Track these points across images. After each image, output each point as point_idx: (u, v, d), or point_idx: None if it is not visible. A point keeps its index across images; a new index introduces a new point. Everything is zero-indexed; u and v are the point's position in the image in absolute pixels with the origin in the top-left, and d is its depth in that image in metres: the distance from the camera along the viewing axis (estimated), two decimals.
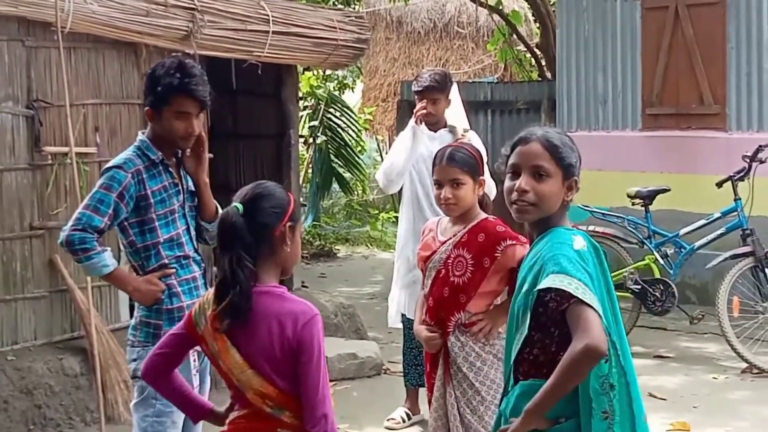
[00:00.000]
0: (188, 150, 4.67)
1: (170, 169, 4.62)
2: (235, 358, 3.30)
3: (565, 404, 3.21)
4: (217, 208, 4.72)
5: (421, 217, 6.79)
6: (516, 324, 3.33)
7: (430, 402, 4.84)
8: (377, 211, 17.78)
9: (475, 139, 6.61)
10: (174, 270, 4.58)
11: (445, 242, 4.64)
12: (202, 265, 4.75)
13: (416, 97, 6.89)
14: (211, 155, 7.70)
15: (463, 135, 6.65)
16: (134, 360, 4.57)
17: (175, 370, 3.52)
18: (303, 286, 10.07)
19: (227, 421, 3.46)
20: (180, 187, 4.66)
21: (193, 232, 4.71)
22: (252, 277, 3.29)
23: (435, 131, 6.86)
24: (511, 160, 3.41)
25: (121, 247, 4.77)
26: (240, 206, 3.32)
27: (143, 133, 4.68)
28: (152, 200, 4.55)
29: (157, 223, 4.57)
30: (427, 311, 4.58)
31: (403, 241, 7.01)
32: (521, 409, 3.22)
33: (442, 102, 6.82)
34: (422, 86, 6.81)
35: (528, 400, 3.21)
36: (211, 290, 3.42)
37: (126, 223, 4.57)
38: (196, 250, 4.72)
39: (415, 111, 6.79)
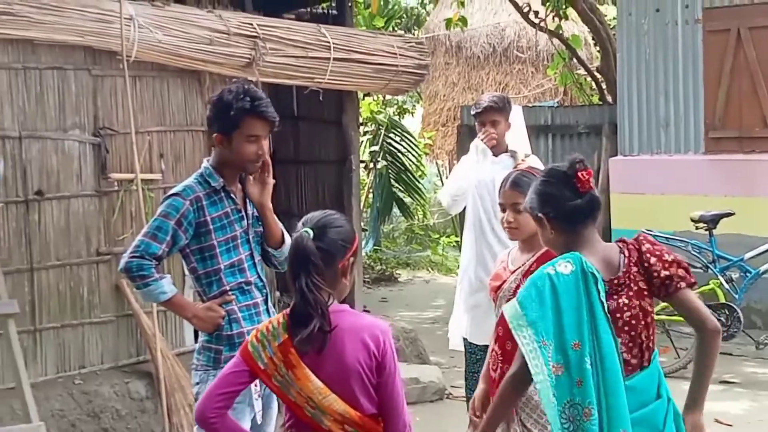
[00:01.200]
0: (252, 176, 4.71)
1: (232, 195, 4.67)
2: (316, 384, 3.29)
3: None
4: (283, 233, 4.75)
5: (483, 241, 6.79)
6: None
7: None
8: (438, 236, 17.78)
9: (536, 164, 6.59)
10: (234, 297, 4.62)
11: (514, 271, 4.63)
12: (264, 291, 4.77)
13: (476, 120, 6.89)
14: (273, 180, 7.81)
15: (523, 160, 6.63)
16: (197, 383, 4.62)
17: (228, 412, 3.44)
18: (365, 311, 10.09)
19: None
20: (243, 213, 4.70)
21: (257, 258, 4.74)
22: (328, 299, 3.31)
23: (496, 155, 6.85)
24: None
25: (186, 273, 4.83)
26: (310, 231, 3.34)
27: (207, 161, 4.73)
28: (212, 227, 4.59)
29: (217, 250, 4.60)
30: (497, 340, 4.56)
31: (465, 264, 7.00)
32: None
33: (501, 124, 6.80)
34: (481, 108, 6.81)
35: None
36: (268, 322, 3.42)
37: (188, 250, 4.62)
38: (259, 276, 4.75)
39: (480, 134, 6.78)
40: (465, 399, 7.11)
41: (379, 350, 3.30)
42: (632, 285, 3.77)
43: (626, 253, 3.81)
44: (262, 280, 4.76)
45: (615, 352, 3.64)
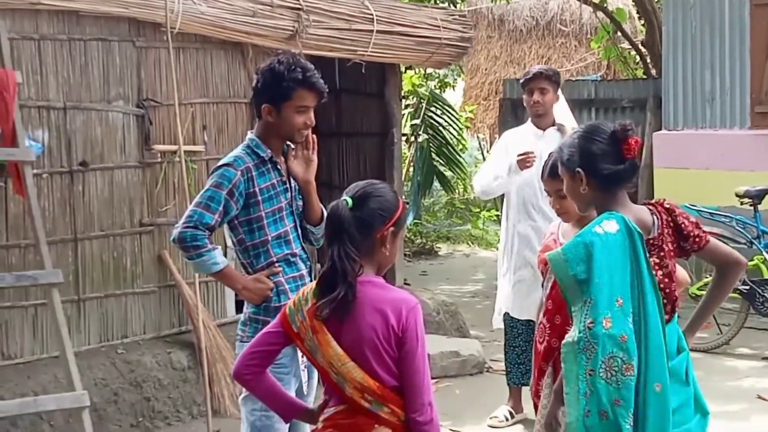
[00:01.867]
0: (296, 153, 4.72)
1: (279, 166, 4.68)
2: (336, 350, 3.32)
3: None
4: (322, 211, 4.76)
5: (527, 218, 6.76)
6: None
7: (536, 408, 4.75)
8: (478, 210, 17.74)
9: None
10: (281, 269, 4.63)
11: (563, 244, 4.58)
12: (308, 263, 4.79)
13: (524, 88, 6.81)
14: (317, 158, 7.81)
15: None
16: None
17: (266, 370, 3.51)
18: (405, 284, 10.11)
19: (321, 418, 3.46)
20: (288, 185, 4.70)
21: (299, 230, 4.75)
22: (358, 269, 3.32)
23: (543, 129, 6.79)
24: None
25: (230, 245, 4.84)
26: (350, 200, 3.36)
27: (252, 132, 4.74)
28: (260, 197, 4.60)
29: (265, 221, 4.62)
30: (545, 313, 4.52)
31: (508, 241, 6.97)
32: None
33: (550, 93, 6.73)
34: (531, 74, 6.76)
35: None
36: (307, 287, 3.47)
37: (236, 222, 4.63)
38: (303, 248, 4.76)
39: (518, 156, 6.57)
40: (504, 372, 7.12)
41: (399, 324, 3.30)
42: (663, 246, 3.89)
43: (658, 215, 3.93)
44: (305, 252, 4.78)
45: (658, 309, 3.73)
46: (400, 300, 3.35)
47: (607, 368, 3.60)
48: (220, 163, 4.67)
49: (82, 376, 6.28)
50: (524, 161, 6.48)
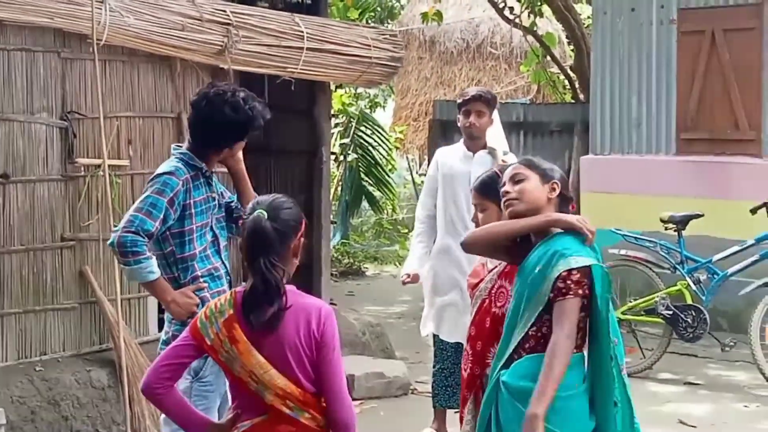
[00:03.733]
0: None
1: (211, 181, 4.65)
2: (258, 359, 3.35)
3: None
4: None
5: (455, 236, 6.73)
6: (523, 306, 3.86)
7: (461, 421, 4.73)
8: (407, 230, 17.74)
9: (514, 160, 6.47)
10: (206, 284, 4.57)
11: (491, 271, 4.55)
12: (229, 277, 4.75)
13: (460, 110, 6.79)
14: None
15: (503, 161, 6.51)
16: None
17: (174, 385, 3.49)
18: (332, 303, 10.03)
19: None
20: (217, 201, 4.67)
21: (221, 244, 4.71)
22: (284, 279, 3.37)
23: (474, 152, 6.77)
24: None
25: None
26: (264, 212, 3.39)
27: (180, 147, 4.68)
28: (194, 210, 4.56)
29: (195, 235, 4.58)
30: (468, 339, 4.50)
31: (433, 262, 6.94)
32: (528, 377, 3.76)
33: (486, 116, 6.72)
34: (469, 95, 6.74)
35: (533, 371, 3.74)
36: (216, 300, 3.49)
37: (168, 233, 4.56)
38: (223, 263, 4.72)
39: (403, 278, 7.02)
40: (431, 395, 7.08)
41: (318, 329, 3.36)
42: None
43: None
44: (226, 267, 4.73)
45: None
46: (317, 306, 3.43)
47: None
48: (162, 170, 4.59)
49: None
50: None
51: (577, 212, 11.28)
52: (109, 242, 4.61)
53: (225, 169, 4.94)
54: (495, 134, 6.89)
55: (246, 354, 3.35)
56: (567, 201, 4.09)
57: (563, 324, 3.73)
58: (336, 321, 3.44)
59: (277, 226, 3.38)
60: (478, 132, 6.73)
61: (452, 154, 6.89)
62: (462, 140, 6.89)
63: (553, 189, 4.01)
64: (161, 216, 4.48)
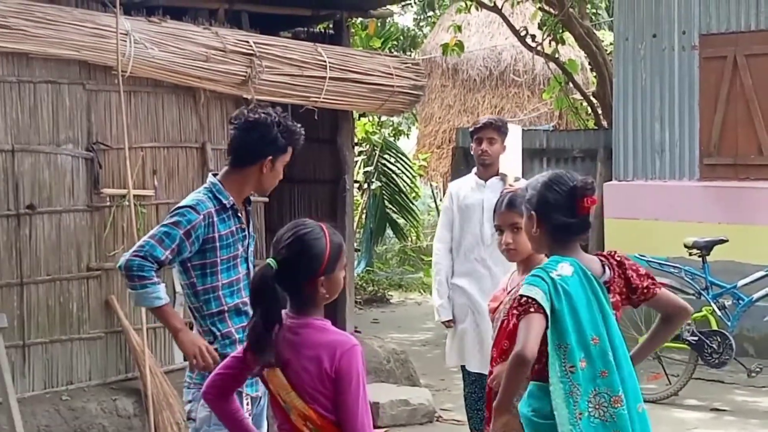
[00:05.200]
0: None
1: (239, 214, 4.66)
2: (281, 380, 3.40)
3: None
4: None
5: (468, 265, 6.76)
6: None
7: None
8: (431, 258, 17.72)
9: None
10: (217, 354, 4.56)
11: (510, 292, 4.57)
12: None
13: (473, 137, 6.84)
14: (266, 199, 7.78)
15: (511, 185, 6.54)
16: (190, 401, 4.58)
17: (233, 394, 3.60)
18: (356, 331, 10.05)
19: None
20: (246, 233, 4.69)
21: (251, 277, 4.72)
22: (277, 326, 3.39)
23: (486, 179, 6.80)
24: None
25: (178, 290, 4.79)
26: (273, 263, 3.38)
27: (214, 176, 4.71)
28: (219, 243, 4.57)
29: (219, 267, 4.59)
30: (492, 361, 4.52)
31: (450, 293, 6.95)
32: (528, 404, 3.91)
33: (498, 143, 6.75)
34: (481, 123, 6.79)
35: (532, 398, 3.89)
36: None
37: (189, 264, 4.58)
38: None
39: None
40: (454, 421, 7.04)
41: (332, 366, 3.35)
42: (613, 294, 3.98)
43: (609, 265, 4.02)
44: None
45: (623, 341, 3.90)
46: (336, 342, 3.40)
47: (596, 406, 3.75)
48: (183, 203, 4.62)
49: (26, 422, 6.18)
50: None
51: (601, 239, 11.23)
52: (117, 265, 4.65)
53: (264, 198, 4.93)
54: (509, 160, 6.91)
55: (271, 374, 3.42)
56: (566, 227, 3.95)
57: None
58: (359, 356, 3.40)
59: (287, 276, 3.38)
60: (490, 159, 6.76)
61: (465, 185, 6.92)
62: (474, 170, 6.92)
63: (530, 220, 4.02)
64: (173, 246, 4.50)
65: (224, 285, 4.60)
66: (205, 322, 4.64)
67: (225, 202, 4.60)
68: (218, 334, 4.61)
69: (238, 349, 3.60)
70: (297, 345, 3.39)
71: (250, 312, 4.63)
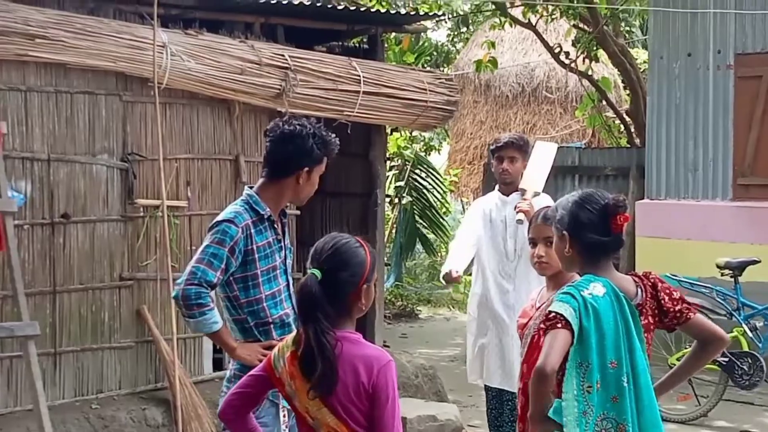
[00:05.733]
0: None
1: (275, 225, 4.68)
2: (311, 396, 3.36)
3: None
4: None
5: (491, 281, 6.75)
6: None
7: None
8: None
9: (546, 202, 6.44)
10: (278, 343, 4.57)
11: (539, 308, 4.57)
12: (297, 323, 4.74)
13: (493, 156, 6.85)
14: (298, 212, 7.81)
15: (525, 198, 6.53)
16: None
17: (250, 413, 3.56)
18: (385, 346, 10.05)
19: None
20: (282, 244, 4.70)
21: (291, 289, 4.74)
22: (335, 344, 3.33)
23: (508, 195, 6.80)
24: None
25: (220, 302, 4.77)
26: (318, 273, 3.36)
27: (250, 188, 4.73)
28: (257, 255, 4.57)
29: (261, 279, 4.59)
30: (521, 377, 4.51)
31: (472, 308, 6.96)
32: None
33: (518, 162, 6.74)
34: (502, 142, 6.79)
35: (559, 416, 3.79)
36: (289, 336, 3.50)
37: (232, 278, 4.58)
38: (293, 308, 4.73)
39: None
40: None
41: (369, 381, 3.34)
42: (643, 318, 3.94)
43: (642, 286, 3.99)
44: (295, 313, 4.74)
45: (647, 368, 3.82)
46: (372, 357, 3.38)
47: (602, 430, 3.72)
48: (220, 218, 4.62)
49: (56, 430, 6.21)
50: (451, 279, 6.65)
51: (633, 258, 11.16)
52: (173, 295, 4.61)
53: (296, 211, 4.93)
54: (531, 174, 6.87)
55: (301, 391, 3.38)
56: (601, 246, 3.94)
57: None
58: (394, 371, 3.39)
59: (331, 287, 3.36)
60: (510, 178, 6.75)
61: (489, 202, 6.93)
62: (497, 187, 6.93)
63: (562, 240, 3.99)
64: (222, 266, 4.51)
65: (267, 297, 4.61)
66: (248, 335, 4.65)
67: (262, 213, 4.62)
68: None
69: (257, 368, 3.56)
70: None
71: (293, 325, 4.67)
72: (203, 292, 4.49)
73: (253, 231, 4.57)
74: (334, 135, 4.74)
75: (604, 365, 3.75)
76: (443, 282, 6.77)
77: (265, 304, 4.60)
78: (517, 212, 6.41)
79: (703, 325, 4.09)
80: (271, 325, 4.62)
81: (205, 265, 4.49)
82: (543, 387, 3.76)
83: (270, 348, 4.41)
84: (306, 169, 4.64)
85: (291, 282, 4.73)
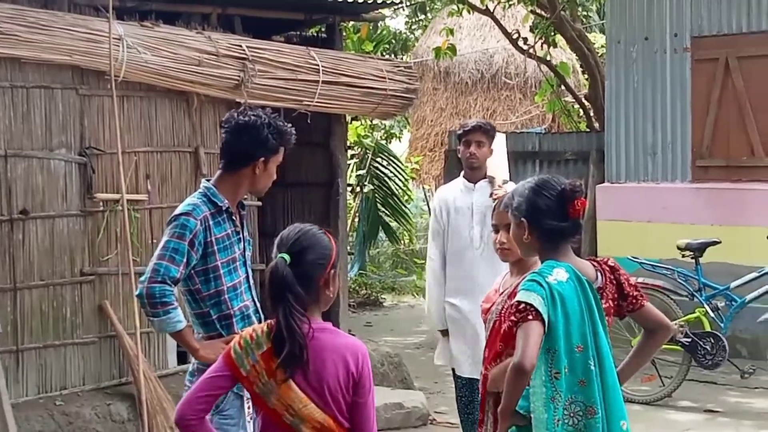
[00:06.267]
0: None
1: (233, 217, 4.66)
2: (297, 393, 3.33)
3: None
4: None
5: (459, 269, 6.74)
6: None
7: None
8: (423, 261, 17.72)
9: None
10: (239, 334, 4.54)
11: (502, 293, 4.58)
12: (258, 315, 4.72)
13: (461, 140, 6.84)
14: (260, 203, 7.79)
15: (499, 186, 6.54)
16: None
17: (206, 417, 3.48)
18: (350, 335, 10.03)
19: None
20: (241, 236, 4.68)
21: (251, 281, 4.72)
22: (306, 326, 3.32)
23: (474, 182, 6.80)
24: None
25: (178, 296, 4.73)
26: (287, 256, 3.35)
27: (208, 180, 4.71)
28: (216, 247, 4.55)
29: (221, 271, 4.57)
30: (484, 361, 4.52)
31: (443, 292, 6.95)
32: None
33: (485, 147, 6.74)
34: (469, 126, 6.78)
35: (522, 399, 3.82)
36: (251, 330, 3.44)
37: (193, 272, 4.56)
38: (254, 300, 4.72)
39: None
40: (448, 424, 7.05)
41: (357, 369, 3.36)
42: (605, 300, 3.97)
43: (601, 270, 4.00)
44: (255, 304, 4.73)
45: (610, 352, 3.84)
46: (356, 346, 3.41)
47: (571, 414, 3.73)
48: (178, 212, 4.59)
49: (19, 428, 6.17)
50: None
51: (594, 241, 11.24)
52: (137, 293, 4.56)
53: (258, 202, 4.92)
54: (496, 163, 6.90)
55: (285, 388, 3.34)
56: (561, 231, 3.93)
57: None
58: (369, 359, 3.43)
59: (301, 270, 3.35)
60: (478, 162, 6.75)
61: (453, 189, 6.91)
62: (462, 174, 6.92)
63: (520, 227, 3.98)
64: (184, 260, 4.47)
65: (229, 288, 4.59)
66: (210, 328, 4.62)
67: (220, 204, 4.59)
68: None
69: (215, 369, 3.46)
70: (317, 349, 3.34)
71: (253, 316, 4.66)
72: (167, 289, 4.45)
73: (211, 223, 4.55)
74: (290, 125, 4.72)
75: (571, 350, 3.76)
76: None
77: (226, 296, 4.58)
78: (494, 200, 6.40)
79: (653, 313, 4.11)
80: (233, 318, 4.60)
81: (167, 261, 4.46)
82: (521, 382, 3.74)
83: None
84: (262, 159, 4.62)
85: (251, 274, 4.72)
